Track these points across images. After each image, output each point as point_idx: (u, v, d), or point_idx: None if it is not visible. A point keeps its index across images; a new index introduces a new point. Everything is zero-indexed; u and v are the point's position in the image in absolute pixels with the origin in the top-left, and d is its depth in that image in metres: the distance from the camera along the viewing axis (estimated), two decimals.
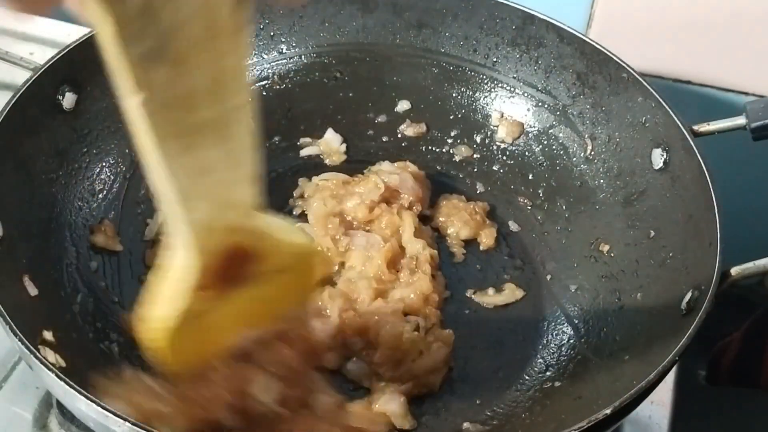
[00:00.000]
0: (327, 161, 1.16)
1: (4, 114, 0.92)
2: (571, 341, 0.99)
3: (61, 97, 1.00)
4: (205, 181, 0.62)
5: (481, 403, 0.95)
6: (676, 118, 0.97)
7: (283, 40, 1.18)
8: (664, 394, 1.00)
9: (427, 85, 1.18)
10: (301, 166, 1.16)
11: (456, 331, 0.99)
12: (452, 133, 1.18)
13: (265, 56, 1.17)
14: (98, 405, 0.71)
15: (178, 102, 0.58)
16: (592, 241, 1.04)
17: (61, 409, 0.95)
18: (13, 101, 0.94)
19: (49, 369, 0.75)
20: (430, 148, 1.18)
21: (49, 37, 1.37)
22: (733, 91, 1.22)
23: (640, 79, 1.02)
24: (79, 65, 1.02)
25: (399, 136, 1.18)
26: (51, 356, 0.80)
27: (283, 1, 1.09)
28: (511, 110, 1.15)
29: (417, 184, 1.10)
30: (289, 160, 1.16)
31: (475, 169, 1.16)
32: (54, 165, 0.99)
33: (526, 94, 1.14)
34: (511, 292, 1.05)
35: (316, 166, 1.16)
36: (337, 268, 1.02)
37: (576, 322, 1.00)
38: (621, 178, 1.04)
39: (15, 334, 0.76)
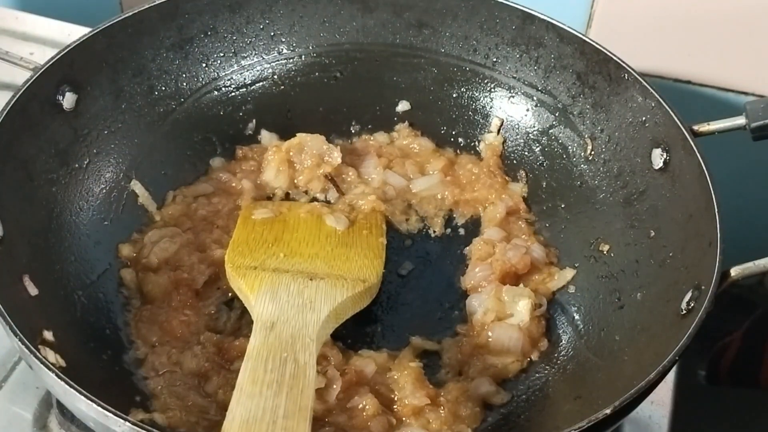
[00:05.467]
0: None
1: (4, 114, 0.92)
2: (571, 341, 0.99)
3: (61, 97, 1.00)
4: None
5: None
6: (676, 118, 0.97)
7: (284, 40, 1.18)
8: (664, 394, 1.00)
9: (426, 85, 1.18)
10: None
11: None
12: (452, 133, 1.18)
13: (265, 56, 1.17)
14: (98, 405, 0.72)
15: None
16: (592, 241, 1.04)
17: (61, 409, 0.95)
18: (13, 101, 0.94)
19: (49, 369, 0.75)
20: None
21: (49, 37, 1.37)
22: (733, 91, 1.22)
23: (640, 79, 1.02)
24: (79, 65, 1.02)
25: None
26: (51, 356, 0.80)
27: None
28: (511, 110, 1.15)
29: None
30: None
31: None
32: (54, 165, 0.99)
33: (526, 94, 1.14)
34: None
35: None
36: None
37: (576, 322, 1.00)
38: (621, 178, 1.04)
39: (15, 334, 0.76)
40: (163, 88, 1.12)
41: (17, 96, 0.94)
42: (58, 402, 0.95)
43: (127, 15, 1.07)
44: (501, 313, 0.98)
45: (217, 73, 1.15)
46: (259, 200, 1.10)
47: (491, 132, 1.16)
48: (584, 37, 1.08)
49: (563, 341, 0.99)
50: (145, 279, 0.99)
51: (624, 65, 1.04)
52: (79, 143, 1.03)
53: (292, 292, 0.92)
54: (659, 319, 0.90)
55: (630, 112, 1.04)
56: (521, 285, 1.01)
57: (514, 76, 1.14)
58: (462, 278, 1.05)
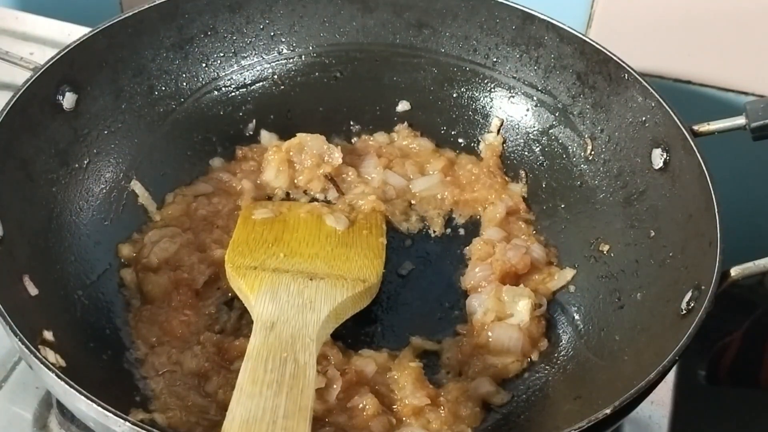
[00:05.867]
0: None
1: (4, 114, 0.92)
2: (571, 341, 0.99)
3: (61, 97, 1.00)
4: None
5: None
6: (676, 118, 0.97)
7: (284, 40, 1.18)
8: (664, 394, 1.00)
9: (426, 85, 1.18)
10: None
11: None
12: (452, 133, 1.18)
13: (265, 56, 1.17)
14: (98, 405, 0.72)
15: None
16: (592, 241, 1.04)
17: (61, 409, 0.95)
18: (13, 101, 0.94)
19: (49, 369, 0.75)
20: None
21: (49, 37, 1.37)
22: (733, 91, 1.22)
23: (640, 79, 1.02)
24: (79, 65, 1.02)
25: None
26: (51, 356, 0.80)
27: None
28: (511, 110, 1.15)
29: None
30: None
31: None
32: (54, 165, 0.99)
33: (526, 94, 1.14)
34: None
35: None
36: None
37: (576, 322, 1.00)
38: (621, 178, 1.04)
39: (15, 334, 0.76)
40: (163, 88, 1.12)
41: (17, 96, 0.94)
42: (58, 402, 0.95)
43: (127, 15, 1.07)
44: (501, 313, 0.98)
45: (217, 73, 1.15)
46: (259, 200, 1.10)
47: (491, 132, 1.16)
48: (584, 37, 1.08)
49: (563, 341, 0.99)
50: (145, 279, 0.99)
51: (624, 65, 1.04)
52: (79, 143, 1.03)
53: (292, 292, 0.92)
54: (659, 319, 0.90)
55: (630, 112, 1.04)
56: (521, 285, 1.01)
57: (514, 76, 1.14)
58: (462, 278, 1.05)
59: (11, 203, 0.91)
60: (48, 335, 0.83)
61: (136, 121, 1.09)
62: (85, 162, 1.03)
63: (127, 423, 0.70)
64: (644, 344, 0.89)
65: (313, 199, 1.12)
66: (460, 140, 1.17)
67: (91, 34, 1.04)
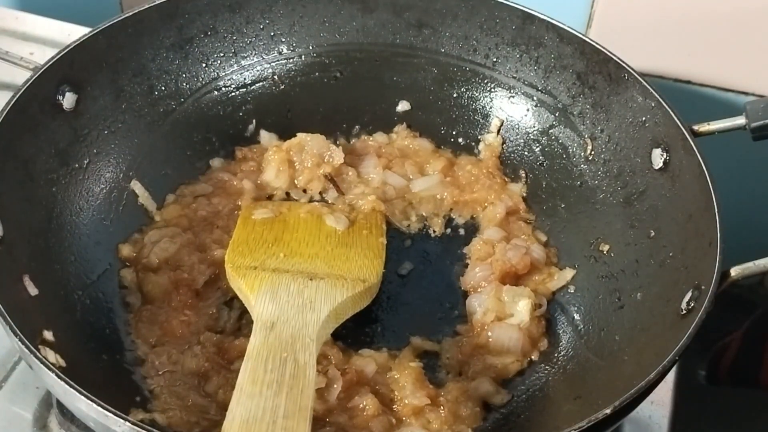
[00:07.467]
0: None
1: (4, 114, 0.92)
2: (571, 341, 0.99)
3: (61, 97, 1.00)
4: None
5: None
6: (676, 118, 0.97)
7: (284, 40, 1.18)
8: (664, 394, 1.00)
9: (427, 85, 1.18)
10: None
11: None
12: (452, 133, 1.18)
13: (265, 56, 1.17)
14: (98, 405, 0.72)
15: None
16: (592, 241, 1.04)
17: (61, 409, 0.95)
18: (13, 101, 0.94)
19: (49, 369, 0.75)
20: None
21: (49, 37, 1.37)
22: (733, 91, 1.22)
23: (640, 79, 1.02)
24: (79, 65, 1.02)
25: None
26: (51, 356, 0.80)
27: None
28: (511, 110, 1.15)
29: None
30: None
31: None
32: (54, 165, 0.99)
33: (526, 94, 1.14)
34: None
35: None
36: None
37: (576, 322, 1.00)
38: (621, 178, 1.04)
39: (15, 334, 0.76)
40: (163, 88, 1.12)
41: (17, 96, 0.94)
42: (58, 402, 0.95)
43: (127, 15, 1.07)
44: (501, 313, 0.98)
45: (217, 73, 1.15)
46: (259, 200, 1.10)
47: (491, 132, 1.16)
48: (584, 37, 1.08)
49: (563, 341, 0.99)
50: (145, 279, 0.99)
51: (624, 65, 1.04)
52: (79, 143, 1.03)
53: (292, 292, 0.93)
54: (659, 319, 0.90)
55: (630, 112, 1.04)
56: (521, 285, 1.01)
57: (514, 76, 1.14)
58: (462, 278, 1.05)
59: (11, 203, 0.91)
60: (48, 335, 0.83)
61: (136, 121, 1.09)
62: (85, 162, 1.03)
63: (127, 423, 0.71)
64: (644, 344, 0.89)
65: (313, 199, 1.12)
66: (460, 140, 1.17)
67: (91, 34, 1.04)
